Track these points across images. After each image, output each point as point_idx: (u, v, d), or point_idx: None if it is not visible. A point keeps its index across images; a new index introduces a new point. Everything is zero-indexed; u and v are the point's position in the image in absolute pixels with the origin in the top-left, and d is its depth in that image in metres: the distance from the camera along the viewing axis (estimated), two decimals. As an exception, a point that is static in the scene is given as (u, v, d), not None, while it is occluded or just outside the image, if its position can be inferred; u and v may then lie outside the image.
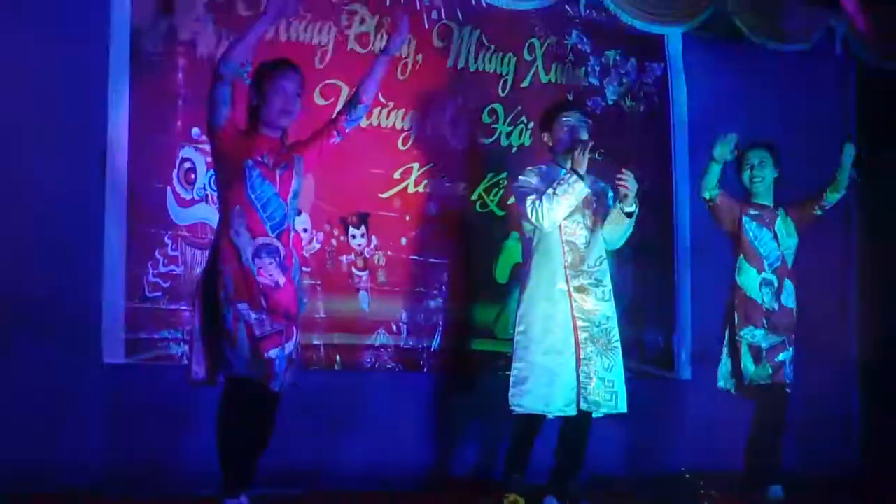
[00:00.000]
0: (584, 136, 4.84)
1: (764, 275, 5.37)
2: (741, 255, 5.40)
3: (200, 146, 5.09)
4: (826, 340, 6.44)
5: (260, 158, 4.16)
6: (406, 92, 5.65)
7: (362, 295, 5.48)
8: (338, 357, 5.39)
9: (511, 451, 4.82)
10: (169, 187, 5.07)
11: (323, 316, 5.35)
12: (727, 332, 5.39)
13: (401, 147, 5.65)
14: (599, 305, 4.79)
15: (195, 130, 5.09)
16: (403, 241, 5.59)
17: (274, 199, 4.15)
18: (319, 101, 5.34)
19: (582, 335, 4.73)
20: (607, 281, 4.86)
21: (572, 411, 4.70)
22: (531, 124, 5.84)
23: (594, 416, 4.74)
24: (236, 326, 4.04)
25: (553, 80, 6.07)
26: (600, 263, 4.86)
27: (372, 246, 5.52)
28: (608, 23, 6.18)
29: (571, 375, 4.70)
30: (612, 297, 4.86)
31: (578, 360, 4.71)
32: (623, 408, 4.76)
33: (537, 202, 4.70)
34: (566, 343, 4.72)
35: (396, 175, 5.60)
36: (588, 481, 4.99)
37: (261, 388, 4.05)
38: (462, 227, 5.71)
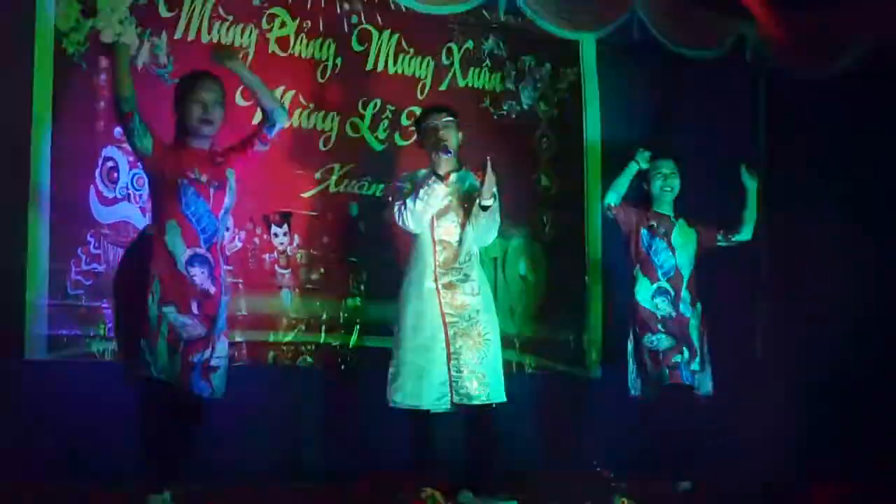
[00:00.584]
0: (450, 136, 5.04)
1: (658, 284, 5.65)
2: (637, 267, 5.68)
3: (123, 145, 5.14)
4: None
5: (192, 175, 4.38)
6: (327, 94, 5.82)
7: (285, 293, 5.64)
8: (259, 354, 5.54)
9: (412, 447, 5.05)
10: (92, 186, 5.17)
11: (245, 313, 5.49)
12: (630, 342, 5.67)
13: (322, 148, 5.80)
14: (469, 300, 5.00)
15: (118, 130, 5.13)
16: (325, 239, 5.75)
17: (206, 216, 4.41)
18: (241, 101, 5.44)
19: (451, 330, 4.95)
20: (475, 275, 5.06)
21: (445, 405, 4.94)
22: None
23: (471, 404, 4.91)
24: (159, 330, 4.24)
25: (470, 84, 6.27)
26: (469, 259, 5.06)
27: (294, 244, 5.66)
28: (525, 28, 6.39)
29: (442, 370, 4.93)
30: (484, 291, 5.08)
31: (449, 355, 4.94)
32: (498, 397, 4.96)
33: (402, 206, 4.98)
34: (435, 339, 4.95)
35: (318, 175, 5.76)
36: (503, 475, 5.16)
37: (176, 391, 4.25)
38: (382, 226, 5.77)
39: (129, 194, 5.25)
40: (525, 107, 6.48)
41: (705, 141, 6.74)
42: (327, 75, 5.84)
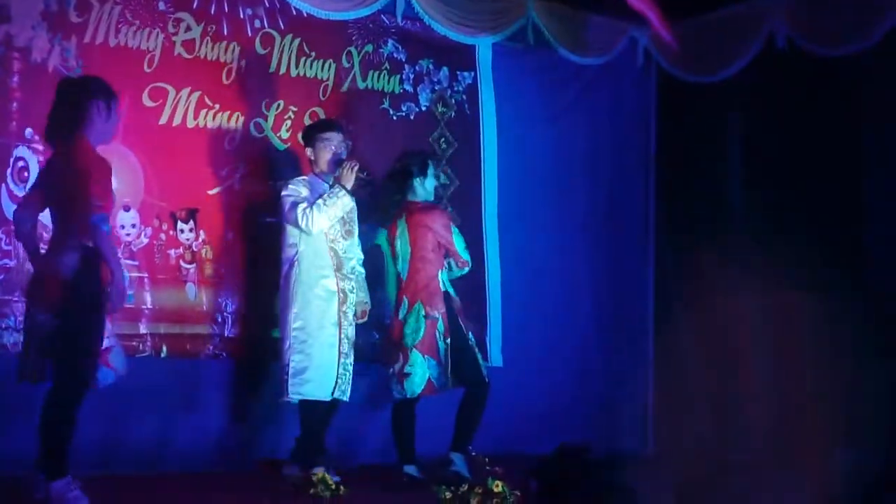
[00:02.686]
0: (344, 155, 5.71)
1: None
2: (443, 267, 5.92)
3: (33, 145, 5.53)
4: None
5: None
6: (231, 95, 6.18)
7: (189, 287, 6.06)
8: (164, 346, 5.93)
9: (308, 436, 5.60)
10: (3, 185, 5.48)
11: (150, 307, 5.92)
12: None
13: (226, 147, 6.18)
14: (351, 308, 5.68)
15: (28, 131, 5.56)
16: (230, 235, 6.17)
17: None
18: (148, 102, 5.90)
19: (343, 332, 5.62)
20: (357, 290, 5.73)
21: (330, 396, 5.58)
22: (351, 127, 6.42)
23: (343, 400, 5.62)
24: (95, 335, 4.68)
25: (370, 86, 6.69)
26: (352, 272, 5.71)
27: (200, 240, 6.06)
28: (422, 33, 6.83)
29: (334, 367, 5.58)
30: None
31: (340, 353, 5.60)
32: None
33: (307, 210, 5.52)
34: (335, 338, 5.59)
35: (223, 173, 6.15)
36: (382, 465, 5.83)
37: (86, 388, 4.69)
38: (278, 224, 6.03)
39: None
40: (423, 108, 6.92)
41: (599, 141, 7.40)
42: (232, 77, 6.19)
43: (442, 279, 5.88)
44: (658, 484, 4.48)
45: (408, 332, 5.81)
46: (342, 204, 5.58)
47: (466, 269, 5.98)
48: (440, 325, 5.81)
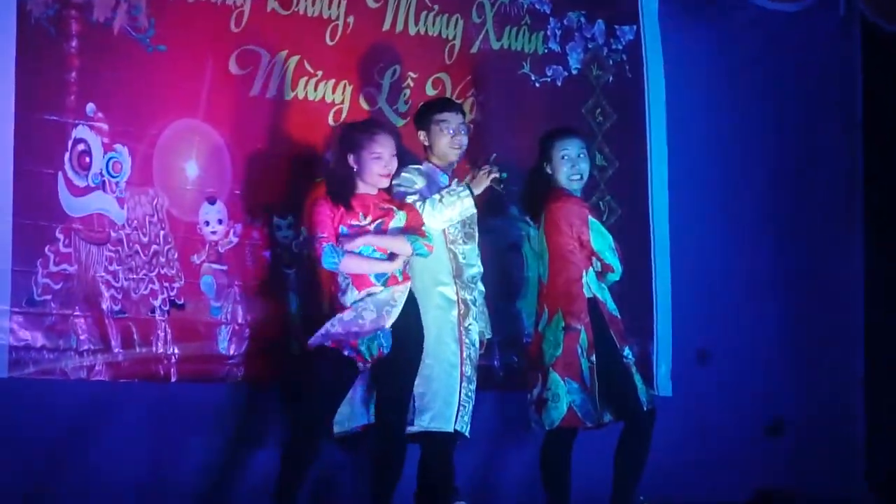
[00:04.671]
0: (465, 141, 5.56)
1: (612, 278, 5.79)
2: (590, 268, 5.66)
3: (95, 124, 5.28)
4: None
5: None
6: (336, 60, 5.92)
7: (291, 297, 5.76)
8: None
9: (435, 477, 5.44)
10: (60, 173, 5.24)
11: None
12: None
13: (331, 123, 5.90)
14: (474, 325, 5.51)
15: (90, 107, 5.28)
16: None
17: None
18: (235, 69, 5.62)
19: (466, 351, 5.45)
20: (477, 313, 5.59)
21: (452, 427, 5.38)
22: (481, 98, 6.24)
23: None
24: None
25: (506, 46, 6.41)
26: (473, 281, 5.56)
27: (301, 238, 5.69)
28: None
29: (455, 392, 5.39)
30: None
31: (462, 376, 5.42)
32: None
33: (419, 204, 5.35)
34: (456, 356, 5.42)
35: (328, 155, 5.72)
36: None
37: None
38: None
39: (103, 182, 5.31)
40: (573, 72, 6.65)
41: (786, 106, 7.13)
42: (337, 37, 5.95)
43: (588, 282, 5.66)
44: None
45: (546, 348, 5.66)
46: (462, 207, 5.43)
47: (614, 274, 5.78)
48: (582, 338, 5.62)
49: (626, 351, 5.66)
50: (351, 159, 5.18)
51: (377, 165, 5.18)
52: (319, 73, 5.88)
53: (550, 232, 5.67)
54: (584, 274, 5.64)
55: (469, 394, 5.45)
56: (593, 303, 5.64)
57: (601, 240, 5.68)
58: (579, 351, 5.59)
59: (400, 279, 5.22)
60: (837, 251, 7.57)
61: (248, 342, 5.64)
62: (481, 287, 5.67)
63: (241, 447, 5.56)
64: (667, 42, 6.85)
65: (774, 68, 7.24)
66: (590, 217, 5.68)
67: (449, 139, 5.52)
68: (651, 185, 6.88)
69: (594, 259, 5.66)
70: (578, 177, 5.70)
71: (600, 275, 5.69)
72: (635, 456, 5.56)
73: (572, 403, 5.56)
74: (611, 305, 5.68)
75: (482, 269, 5.66)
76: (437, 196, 5.41)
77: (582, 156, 5.70)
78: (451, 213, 5.41)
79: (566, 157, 5.67)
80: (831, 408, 7.29)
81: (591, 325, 5.61)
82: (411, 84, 6.15)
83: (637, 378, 5.63)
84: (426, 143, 5.59)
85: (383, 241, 5.19)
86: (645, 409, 5.56)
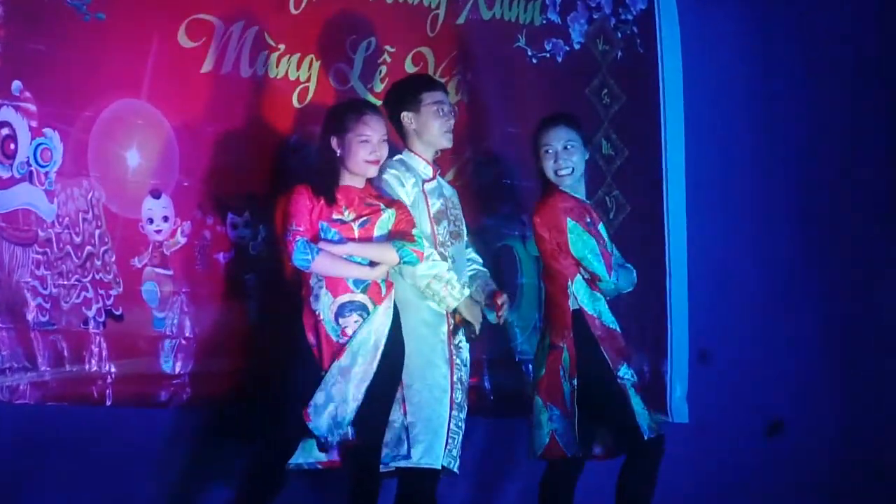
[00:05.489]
0: (452, 121, 5.46)
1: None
2: (577, 275, 5.57)
3: (21, 104, 5.05)
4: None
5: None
6: (301, 31, 5.75)
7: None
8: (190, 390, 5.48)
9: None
10: None
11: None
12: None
13: (296, 104, 5.75)
14: (465, 343, 5.39)
15: (16, 84, 5.05)
16: None
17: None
18: (186, 42, 5.41)
19: (457, 374, 5.32)
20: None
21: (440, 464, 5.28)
22: (470, 75, 6.11)
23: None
24: None
25: (498, 16, 6.27)
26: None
27: (259, 239, 5.62)
28: None
29: (444, 423, 5.24)
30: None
31: (452, 403, 5.27)
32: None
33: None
34: (447, 380, 5.27)
35: (292, 142, 5.72)
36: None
37: None
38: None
39: (30, 172, 5.07)
40: (576, 46, 6.52)
41: (821, 88, 7.07)
42: (302, 5, 5.75)
43: (573, 292, 5.55)
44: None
45: (533, 369, 5.73)
46: (444, 296, 5.27)
47: (605, 283, 5.64)
48: (565, 358, 5.53)
49: (623, 370, 5.53)
50: (334, 142, 5.07)
51: (364, 150, 5.05)
52: (282, 46, 5.69)
53: (535, 236, 5.67)
54: (569, 283, 5.56)
55: (459, 423, 5.34)
56: (578, 316, 5.55)
57: (580, 244, 5.55)
58: (562, 373, 5.53)
59: (382, 289, 5.10)
60: (882, 249, 7.44)
61: (196, 359, 5.47)
62: (483, 269, 5.62)
63: (190, 482, 5.48)
64: (685, 12, 6.79)
65: (809, 45, 7.25)
66: (569, 219, 5.55)
67: (442, 122, 5.42)
68: (665, 179, 6.80)
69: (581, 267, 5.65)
70: (569, 170, 5.57)
71: (593, 283, 5.62)
72: (636, 493, 5.50)
73: (554, 432, 5.52)
74: (607, 318, 5.57)
75: (481, 259, 5.64)
76: (438, 269, 5.26)
77: (571, 146, 5.59)
78: (434, 288, 5.24)
79: (549, 152, 5.58)
80: (878, 418, 7.19)
81: (575, 341, 5.52)
82: (388, 59, 5.99)
83: (636, 401, 5.49)
84: (413, 128, 5.45)
85: (366, 250, 5.07)
86: (646, 437, 5.44)
